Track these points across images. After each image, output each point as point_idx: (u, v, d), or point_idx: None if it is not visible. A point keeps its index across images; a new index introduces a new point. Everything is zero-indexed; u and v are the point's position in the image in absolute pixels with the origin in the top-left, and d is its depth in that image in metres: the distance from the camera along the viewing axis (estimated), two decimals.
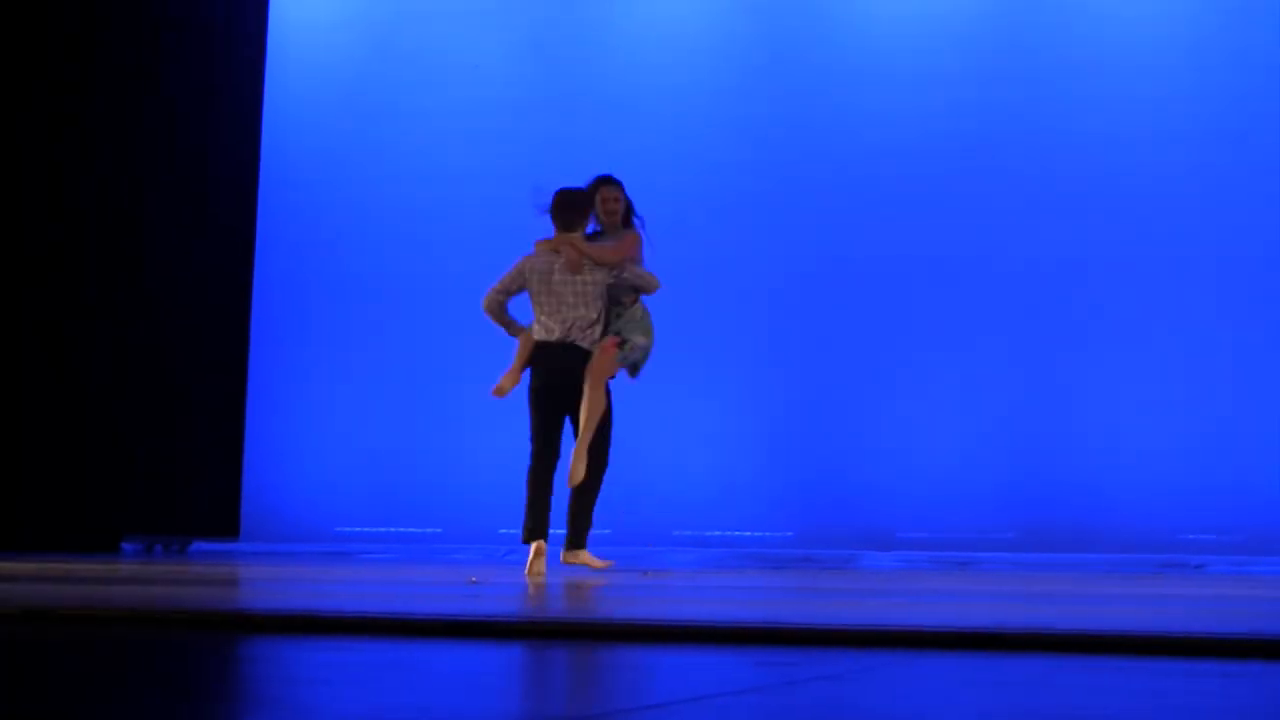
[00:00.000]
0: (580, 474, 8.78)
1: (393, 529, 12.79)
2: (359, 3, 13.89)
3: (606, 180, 9.29)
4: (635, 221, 9.29)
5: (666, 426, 12.15)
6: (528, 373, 9.00)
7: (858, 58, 12.44)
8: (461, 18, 13.45)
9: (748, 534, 11.98)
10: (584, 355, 8.80)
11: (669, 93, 12.76)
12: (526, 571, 8.52)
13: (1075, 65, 12.10)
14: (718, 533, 12.08)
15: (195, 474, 13.17)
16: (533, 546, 8.69)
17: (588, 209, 9.09)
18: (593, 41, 13.13)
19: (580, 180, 9.29)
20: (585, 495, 8.96)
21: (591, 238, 9.14)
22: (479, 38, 13.36)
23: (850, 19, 12.61)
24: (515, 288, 9.08)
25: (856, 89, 12.36)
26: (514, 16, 13.39)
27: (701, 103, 12.69)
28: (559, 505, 8.93)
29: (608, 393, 8.92)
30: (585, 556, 8.90)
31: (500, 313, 9.10)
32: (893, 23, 12.43)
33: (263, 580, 7.90)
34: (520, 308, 9.22)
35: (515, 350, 9.05)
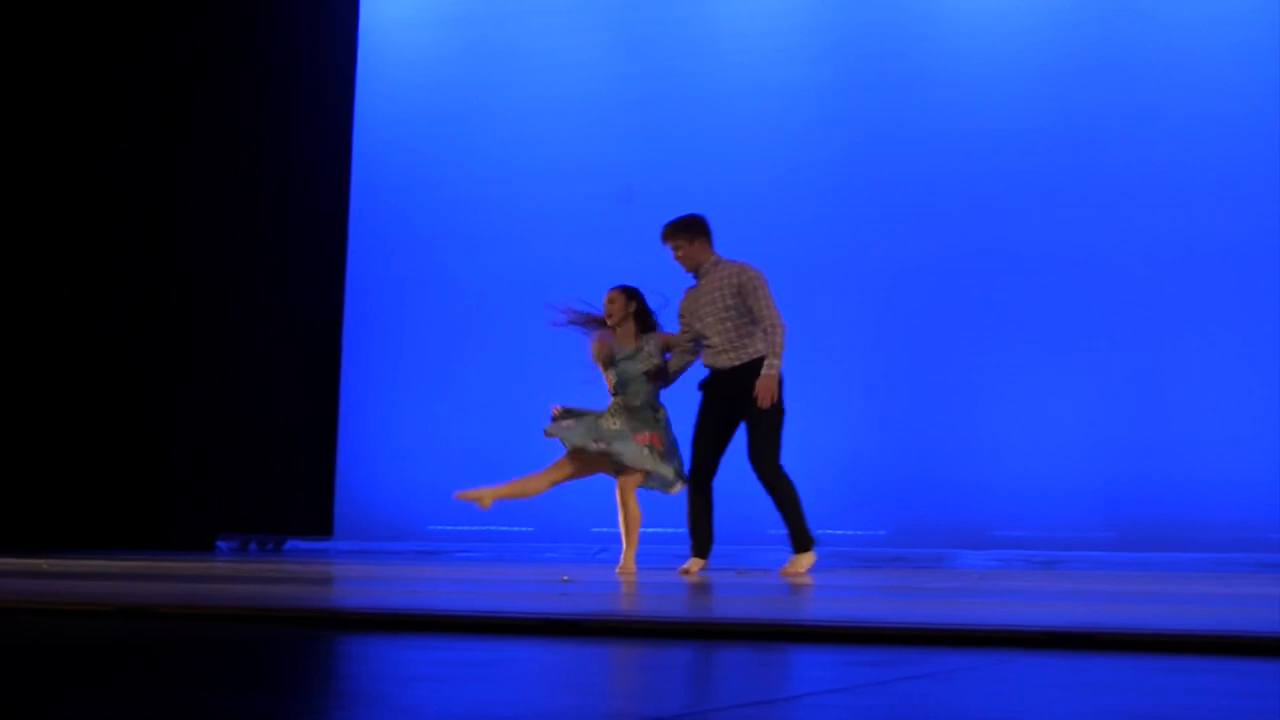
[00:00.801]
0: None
1: (485, 527, 12.82)
2: (449, 2, 13.94)
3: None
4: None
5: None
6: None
7: (953, 53, 12.37)
8: (552, 15, 13.48)
9: (840, 533, 11.92)
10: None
11: (759, 91, 12.73)
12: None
13: (1180, 56, 12.02)
14: (819, 531, 12.05)
15: (290, 473, 13.27)
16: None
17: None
18: (683, 39, 13.12)
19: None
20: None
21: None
22: (569, 36, 13.38)
23: (941, 16, 12.54)
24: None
25: (953, 85, 12.28)
26: (604, 15, 13.41)
27: (792, 101, 12.65)
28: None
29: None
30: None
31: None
32: (987, 18, 12.35)
33: (357, 579, 7.95)
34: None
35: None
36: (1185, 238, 11.56)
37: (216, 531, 13.05)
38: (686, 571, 8.68)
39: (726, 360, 8.71)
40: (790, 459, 12.13)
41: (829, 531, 11.97)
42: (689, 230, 9.06)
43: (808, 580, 8.09)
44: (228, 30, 13.59)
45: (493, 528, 12.78)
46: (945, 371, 12.06)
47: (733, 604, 5.58)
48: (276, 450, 13.28)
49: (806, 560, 8.63)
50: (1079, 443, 11.51)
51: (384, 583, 7.34)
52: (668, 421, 9.06)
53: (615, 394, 9.01)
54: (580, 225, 12.94)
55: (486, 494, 8.98)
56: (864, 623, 4.24)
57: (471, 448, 12.95)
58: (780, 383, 8.61)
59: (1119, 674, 3.40)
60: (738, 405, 8.65)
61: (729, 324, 8.69)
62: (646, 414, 8.93)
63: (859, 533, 11.97)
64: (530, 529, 12.69)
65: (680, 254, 9.01)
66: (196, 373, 13.09)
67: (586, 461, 9.01)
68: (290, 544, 13.28)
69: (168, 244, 13.11)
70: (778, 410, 8.64)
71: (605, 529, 12.40)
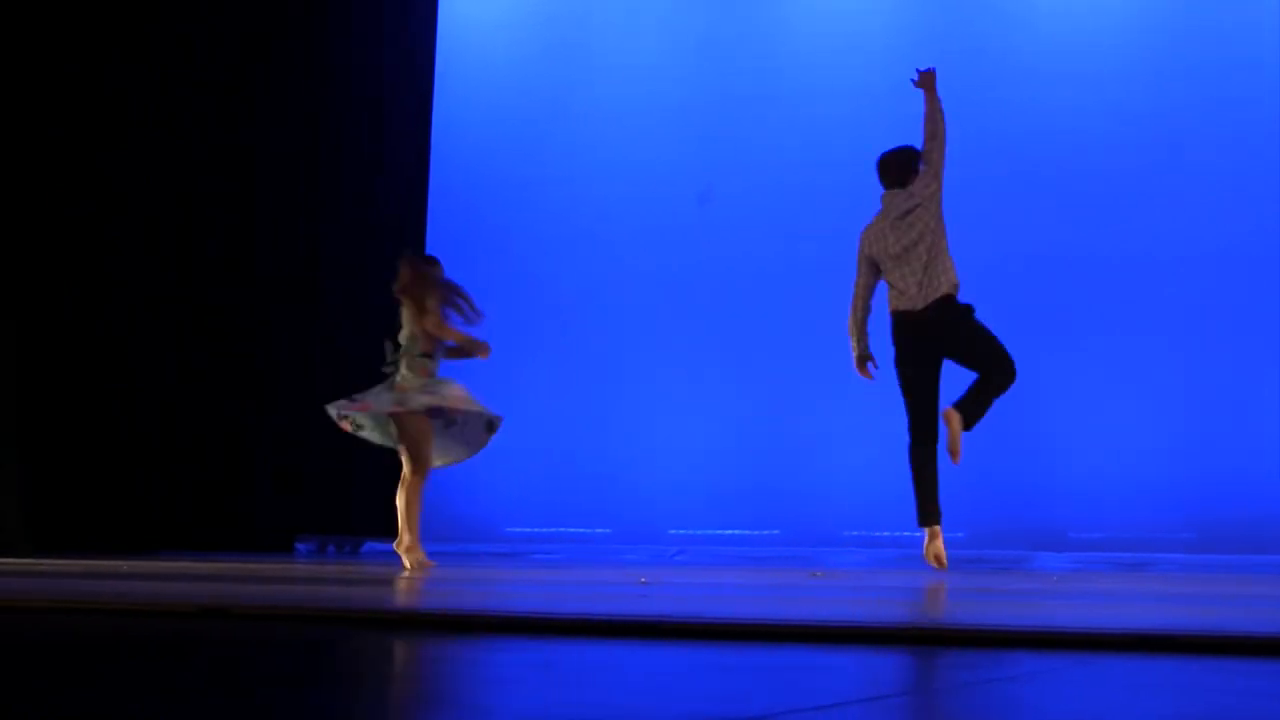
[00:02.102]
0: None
1: (562, 529, 12.85)
2: (526, 2, 13.98)
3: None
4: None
5: (837, 426, 12.10)
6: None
7: (1032, 51, 12.32)
8: (630, 15, 13.49)
9: (917, 534, 11.89)
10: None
11: (836, 91, 12.70)
12: (925, 555, 8.53)
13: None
14: (887, 533, 12.00)
15: (367, 475, 13.32)
16: (928, 530, 8.58)
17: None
18: (761, 39, 13.11)
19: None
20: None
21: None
22: (647, 36, 13.39)
23: (1017, 14, 12.48)
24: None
25: (1033, 83, 12.24)
26: (682, 15, 13.41)
27: (869, 101, 12.61)
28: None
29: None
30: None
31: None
32: (1065, 18, 12.29)
33: (434, 580, 7.97)
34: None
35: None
36: (1265, 232, 11.45)
37: (294, 533, 13.12)
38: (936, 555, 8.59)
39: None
40: (869, 460, 12.12)
41: (904, 534, 11.95)
42: None
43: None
44: (307, 32, 13.68)
45: (570, 530, 12.80)
46: (1026, 371, 11.99)
47: (810, 605, 5.56)
48: (354, 452, 13.33)
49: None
50: (1158, 442, 11.42)
51: (461, 584, 7.36)
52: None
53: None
54: (657, 225, 12.95)
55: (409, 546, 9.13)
56: (945, 624, 4.21)
57: (549, 449, 12.98)
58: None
59: (1203, 678, 3.37)
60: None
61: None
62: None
63: None
64: (608, 530, 12.71)
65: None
66: (275, 373, 13.16)
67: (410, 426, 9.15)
68: (368, 546, 13.34)
69: (248, 245, 13.20)
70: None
71: (683, 530, 12.40)
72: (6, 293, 12.19)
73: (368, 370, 13.45)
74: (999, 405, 12.00)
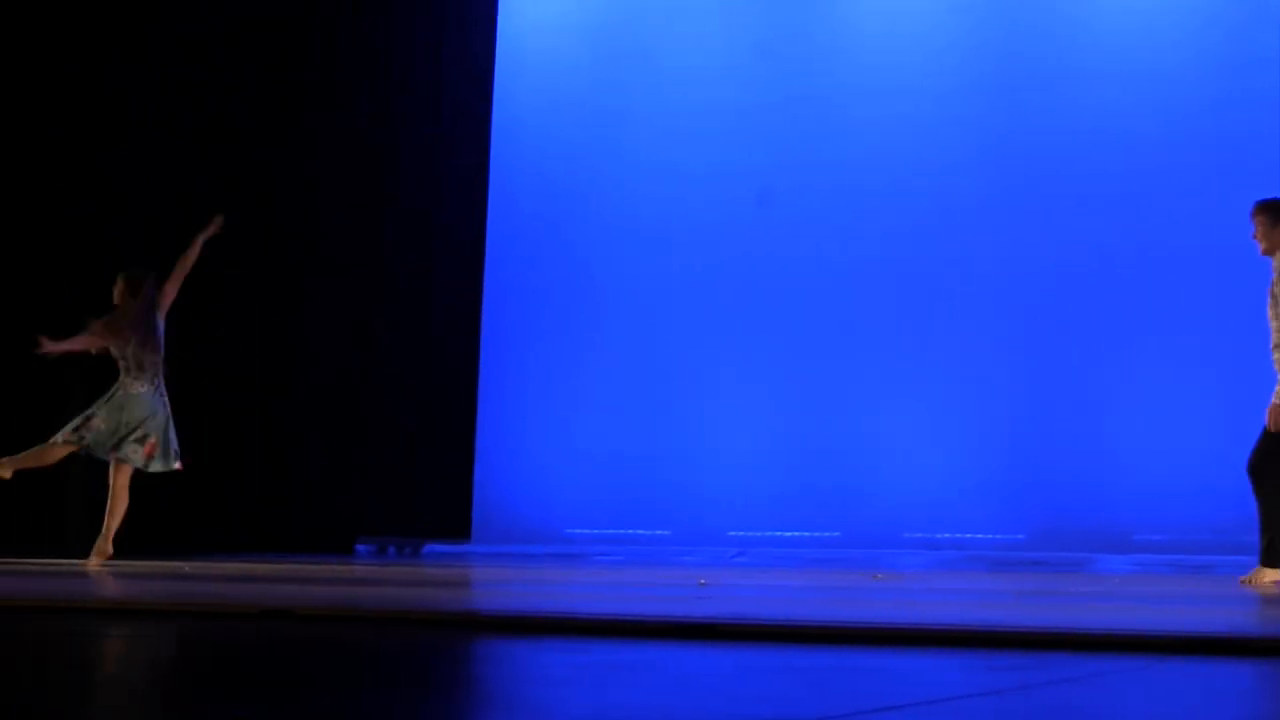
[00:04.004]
0: None
1: (622, 531, 12.86)
2: (586, 5, 13.99)
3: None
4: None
5: (898, 428, 12.07)
6: None
7: (1092, 53, 12.26)
8: (688, 18, 13.48)
9: (978, 536, 11.85)
10: None
11: (894, 93, 12.66)
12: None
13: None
14: (948, 535, 11.96)
15: (427, 477, 13.36)
16: None
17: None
18: (819, 42, 13.08)
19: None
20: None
21: None
22: (706, 39, 13.38)
23: (1076, 16, 12.42)
24: None
25: (1094, 86, 12.17)
26: (740, 17, 13.39)
27: (928, 103, 12.57)
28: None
29: None
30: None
31: None
32: (1116, 17, 12.24)
33: (494, 582, 7.99)
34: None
35: None
36: None
37: (355, 535, 13.17)
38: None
39: None
40: (929, 461, 12.10)
41: (965, 535, 11.90)
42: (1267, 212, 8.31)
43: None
44: (374, 34, 13.74)
45: (631, 531, 12.81)
46: (1087, 371, 11.93)
47: (870, 607, 5.55)
48: (414, 453, 13.38)
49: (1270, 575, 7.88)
50: (1224, 443, 11.29)
51: (521, 585, 7.38)
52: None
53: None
54: (716, 227, 12.93)
55: None
56: (1005, 626, 4.20)
57: (609, 451, 12.98)
58: None
59: (1262, 681, 3.34)
60: None
61: None
62: None
63: (997, 536, 11.87)
64: (668, 532, 12.71)
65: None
66: (335, 376, 13.22)
67: None
68: (428, 547, 13.37)
69: (309, 254, 13.26)
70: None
71: (743, 533, 12.39)
72: (6, 292, 12.29)
73: (428, 377, 13.53)
74: (1061, 406, 11.96)
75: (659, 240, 13.09)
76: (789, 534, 12.33)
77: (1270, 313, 8.16)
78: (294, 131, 13.40)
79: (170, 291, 9.65)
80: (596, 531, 12.95)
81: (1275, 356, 8.11)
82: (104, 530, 9.45)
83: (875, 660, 3.68)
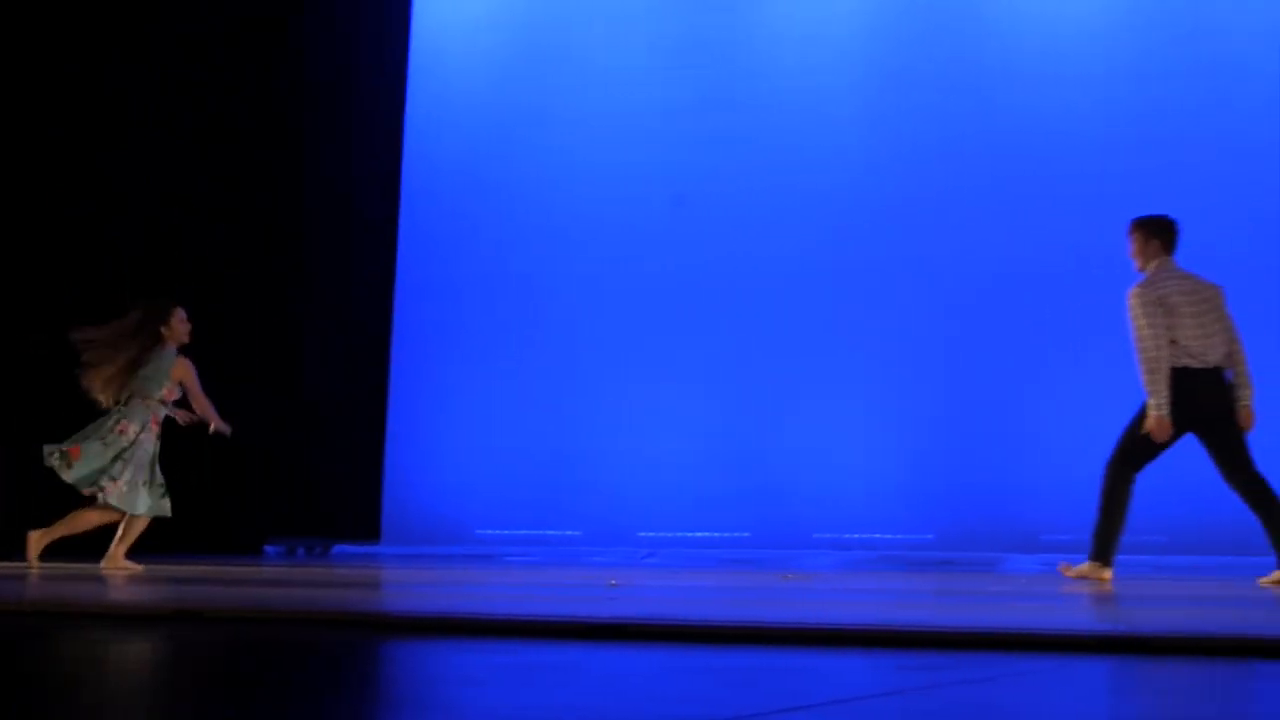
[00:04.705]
0: None
1: (533, 531, 12.85)
2: (501, 6, 13.96)
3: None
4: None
5: (808, 429, 12.12)
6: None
7: (1009, 54, 12.35)
8: (603, 19, 13.49)
9: (888, 536, 11.91)
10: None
11: (810, 97, 12.71)
12: None
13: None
14: (857, 535, 12.02)
15: (337, 478, 13.31)
16: None
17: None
18: (734, 44, 13.12)
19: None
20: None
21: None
22: (621, 40, 13.39)
23: (990, 18, 12.51)
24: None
25: (1009, 86, 12.25)
26: (656, 19, 13.40)
27: (845, 107, 12.63)
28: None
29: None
30: None
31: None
32: (1033, 21, 12.33)
33: (404, 583, 7.96)
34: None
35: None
36: (1233, 235, 11.48)
37: (264, 536, 13.10)
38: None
39: None
40: (839, 463, 12.15)
41: (875, 536, 11.97)
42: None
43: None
44: (284, 33, 13.67)
45: (542, 532, 12.80)
46: (995, 374, 12.02)
47: (781, 607, 5.57)
48: (324, 454, 13.32)
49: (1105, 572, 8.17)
50: None
51: (433, 586, 7.36)
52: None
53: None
54: (632, 229, 12.94)
55: None
56: (915, 626, 4.22)
57: (520, 452, 12.97)
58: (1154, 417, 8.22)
59: (1177, 678, 3.38)
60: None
61: None
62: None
63: (907, 537, 11.94)
64: (579, 533, 12.70)
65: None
66: (246, 377, 13.13)
67: None
68: (337, 548, 13.31)
69: (218, 242, 13.17)
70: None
71: (653, 533, 12.41)
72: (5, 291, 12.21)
73: (338, 377, 13.47)
74: (969, 408, 12.05)
75: (573, 240, 13.09)
76: (699, 534, 12.36)
77: (1140, 324, 8.27)
78: (208, 126, 13.31)
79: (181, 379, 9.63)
80: (507, 532, 12.93)
81: (1151, 369, 8.21)
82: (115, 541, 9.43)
83: (786, 660, 3.69)
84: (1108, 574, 8.19)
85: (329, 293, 13.44)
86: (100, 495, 9.27)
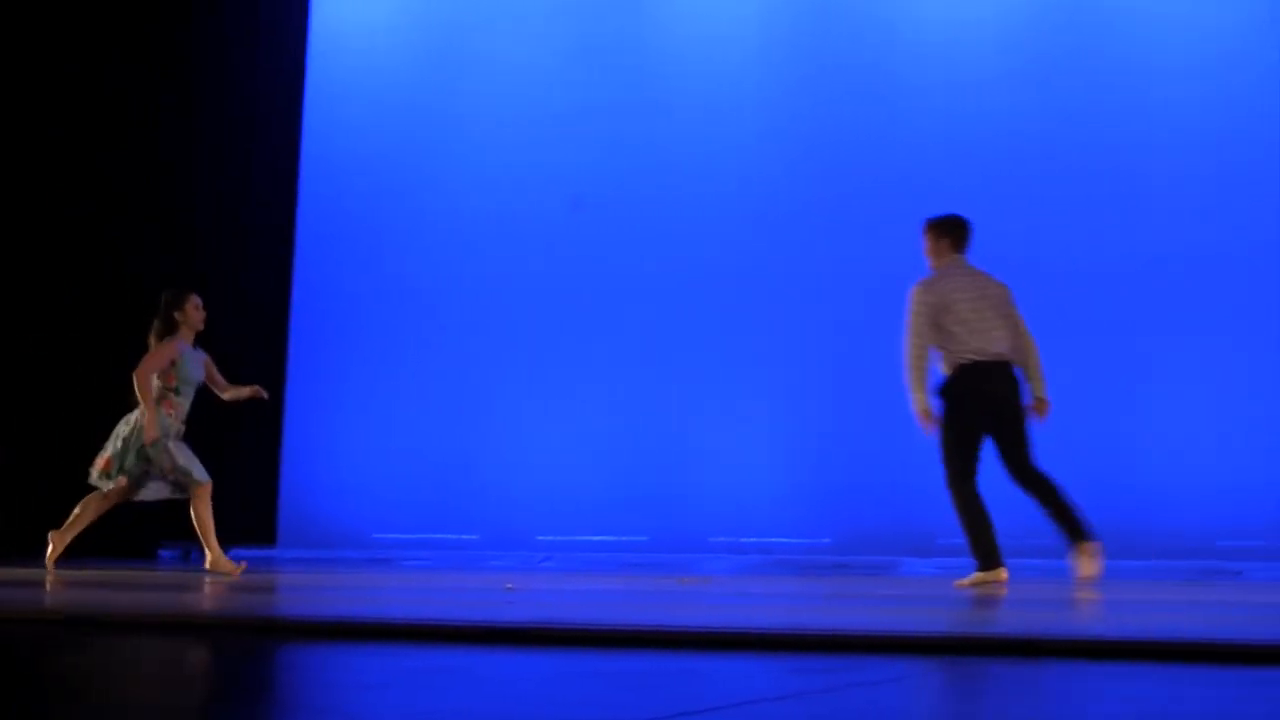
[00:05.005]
0: None
1: (430, 535, 12.80)
2: (399, 10, 13.91)
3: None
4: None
5: (705, 433, 12.15)
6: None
7: (908, 58, 12.40)
8: (503, 22, 13.47)
9: (784, 540, 11.95)
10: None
11: (705, 99, 12.75)
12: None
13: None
14: (754, 539, 12.06)
15: (233, 480, 13.19)
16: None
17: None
18: (634, 47, 13.13)
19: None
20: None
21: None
22: (520, 43, 13.37)
23: (891, 23, 12.58)
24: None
25: (906, 90, 12.31)
26: (556, 22, 13.39)
27: (755, 105, 12.65)
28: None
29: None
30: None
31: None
32: (935, 27, 12.41)
33: (301, 587, 7.93)
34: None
35: None
36: (1128, 243, 11.61)
37: (158, 540, 12.97)
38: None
39: None
40: (735, 466, 12.19)
41: (771, 539, 12.01)
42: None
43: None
44: (182, 39, 13.58)
45: (439, 535, 12.76)
46: (888, 377, 12.08)
47: (678, 611, 5.58)
48: (220, 457, 13.19)
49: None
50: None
51: (327, 590, 7.32)
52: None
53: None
54: (529, 231, 12.93)
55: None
56: (812, 630, 4.25)
57: (417, 455, 12.93)
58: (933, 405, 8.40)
59: (1057, 681, 3.42)
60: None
61: None
62: None
63: (803, 540, 11.99)
64: (476, 537, 12.68)
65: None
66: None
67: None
68: (233, 552, 13.19)
69: (109, 243, 13.07)
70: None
71: (551, 537, 12.40)
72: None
73: (239, 373, 13.37)
74: (864, 411, 12.11)
75: (470, 243, 13.07)
76: (597, 538, 12.36)
77: (910, 320, 8.44)
78: (102, 129, 13.20)
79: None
80: (404, 536, 12.88)
81: (908, 365, 8.43)
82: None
83: (682, 664, 3.71)
84: (1003, 574, 8.29)
85: (224, 296, 13.34)
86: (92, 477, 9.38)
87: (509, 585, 7.45)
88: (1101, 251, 11.71)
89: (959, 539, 8.71)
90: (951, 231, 8.57)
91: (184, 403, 9.49)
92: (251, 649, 4.10)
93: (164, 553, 12.84)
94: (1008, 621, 5.01)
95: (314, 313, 13.45)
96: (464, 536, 12.71)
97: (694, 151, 12.67)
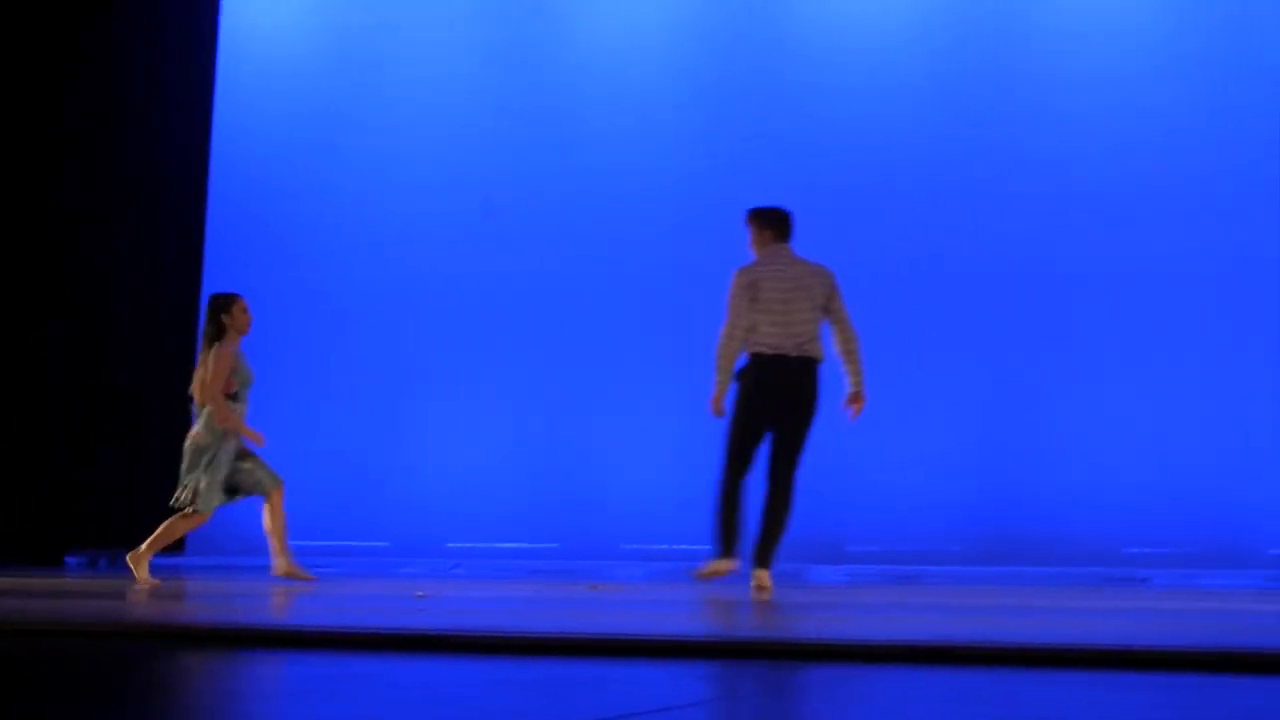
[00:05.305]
0: None
1: (339, 542, 12.73)
2: (312, 11, 13.84)
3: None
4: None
5: (616, 439, 12.14)
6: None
7: (828, 64, 12.44)
8: (414, 28, 13.42)
9: (695, 547, 11.96)
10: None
11: (623, 104, 12.75)
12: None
13: (1048, 73, 12.19)
14: (665, 546, 12.06)
15: (140, 487, 13.09)
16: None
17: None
18: (547, 53, 13.11)
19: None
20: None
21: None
22: (432, 48, 13.33)
23: (820, 23, 12.61)
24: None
25: (829, 96, 12.35)
26: (467, 27, 13.35)
27: (668, 111, 12.64)
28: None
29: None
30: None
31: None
32: (856, 28, 12.46)
33: (209, 594, 7.88)
34: None
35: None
36: (1055, 253, 11.69)
37: (65, 547, 12.85)
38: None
39: None
40: (646, 474, 12.19)
41: (682, 547, 12.01)
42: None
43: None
44: (86, 36, 13.46)
45: (347, 543, 12.69)
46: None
47: (589, 618, 5.58)
48: (127, 463, 13.09)
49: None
50: (933, 458, 11.60)
51: (236, 598, 7.28)
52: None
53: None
54: (442, 237, 12.88)
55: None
56: (720, 637, 4.26)
57: (326, 461, 12.85)
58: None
59: (972, 687, 3.44)
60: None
61: None
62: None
63: (712, 548, 12.00)
64: (386, 544, 12.62)
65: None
66: (47, 384, 12.91)
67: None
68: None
69: (25, 251, 12.96)
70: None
71: (461, 544, 12.37)
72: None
73: (147, 381, 13.26)
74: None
75: (381, 249, 13.01)
76: (507, 545, 12.33)
77: (728, 305, 8.55)
78: (11, 128, 13.09)
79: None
80: (313, 543, 12.79)
81: (718, 349, 8.55)
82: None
83: (593, 671, 3.71)
84: (732, 565, 8.51)
85: (133, 301, 13.23)
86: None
87: (420, 593, 7.43)
88: (1027, 259, 11.78)
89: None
90: (774, 224, 8.68)
91: (243, 408, 9.40)
92: (158, 657, 4.06)
93: (71, 559, 12.72)
94: (922, 629, 5.03)
95: None
96: (374, 544, 12.65)
97: (605, 157, 12.66)
